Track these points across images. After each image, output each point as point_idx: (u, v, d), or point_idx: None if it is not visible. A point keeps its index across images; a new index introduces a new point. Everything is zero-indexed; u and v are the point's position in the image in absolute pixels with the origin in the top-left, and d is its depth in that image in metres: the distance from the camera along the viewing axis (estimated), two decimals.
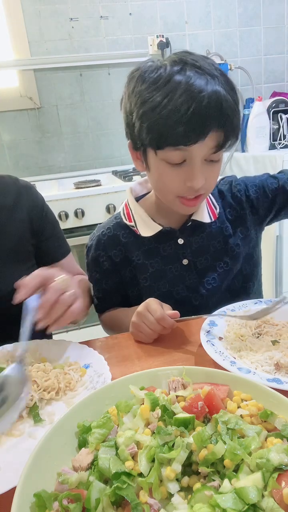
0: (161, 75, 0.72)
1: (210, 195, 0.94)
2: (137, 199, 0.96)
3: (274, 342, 0.69)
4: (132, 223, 0.92)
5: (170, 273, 0.92)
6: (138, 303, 0.81)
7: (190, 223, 0.90)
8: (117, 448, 0.43)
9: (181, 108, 0.68)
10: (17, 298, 0.65)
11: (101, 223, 1.01)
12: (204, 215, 0.91)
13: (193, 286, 0.91)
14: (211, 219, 0.91)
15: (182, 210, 0.85)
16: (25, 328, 0.64)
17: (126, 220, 0.94)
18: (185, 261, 0.91)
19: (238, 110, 0.74)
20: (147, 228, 0.91)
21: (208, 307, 0.88)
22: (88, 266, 0.99)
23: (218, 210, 0.93)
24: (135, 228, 0.92)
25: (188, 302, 0.91)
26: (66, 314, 0.69)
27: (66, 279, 0.69)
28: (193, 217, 0.90)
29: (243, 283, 0.96)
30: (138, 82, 0.75)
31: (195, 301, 0.92)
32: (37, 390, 0.61)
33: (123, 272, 0.95)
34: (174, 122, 0.69)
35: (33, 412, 0.59)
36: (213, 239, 0.92)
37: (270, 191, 0.93)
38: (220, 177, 1.01)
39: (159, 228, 0.89)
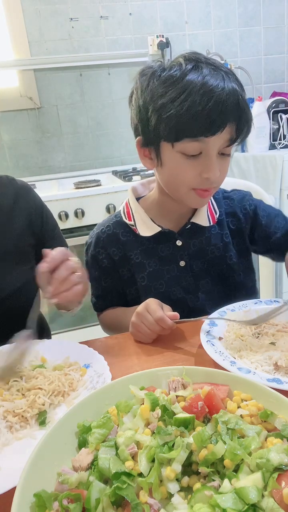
0: (176, 73, 0.73)
1: (212, 199, 0.94)
2: (138, 199, 0.96)
3: (273, 344, 0.69)
4: (132, 222, 0.92)
5: (167, 274, 0.92)
6: (136, 303, 0.81)
7: (189, 226, 0.90)
8: (117, 448, 0.43)
9: (201, 100, 0.70)
10: (44, 267, 0.71)
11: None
12: (204, 219, 0.91)
13: (189, 288, 0.92)
14: (210, 223, 0.92)
15: (195, 203, 0.85)
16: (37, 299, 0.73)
17: (126, 219, 0.94)
18: (182, 263, 0.91)
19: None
20: (146, 228, 0.91)
21: (204, 310, 0.87)
22: (87, 264, 0.99)
23: (217, 215, 0.93)
24: (135, 227, 0.92)
25: (184, 304, 0.92)
26: (71, 290, 0.74)
27: (78, 261, 0.76)
28: (192, 220, 0.91)
29: (238, 290, 0.96)
30: (152, 79, 0.76)
31: (191, 303, 0.92)
32: (46, 395, 0.61)
33: (121, 270, 0.95)
34: (195, 113, 0.70)
35: (41, 418, 0.58)
36: (212, 245, 0.92)
37: (273, 227, 0.94)
38: (233, 188, 1.02)
39: (158, 229, 0.89)
